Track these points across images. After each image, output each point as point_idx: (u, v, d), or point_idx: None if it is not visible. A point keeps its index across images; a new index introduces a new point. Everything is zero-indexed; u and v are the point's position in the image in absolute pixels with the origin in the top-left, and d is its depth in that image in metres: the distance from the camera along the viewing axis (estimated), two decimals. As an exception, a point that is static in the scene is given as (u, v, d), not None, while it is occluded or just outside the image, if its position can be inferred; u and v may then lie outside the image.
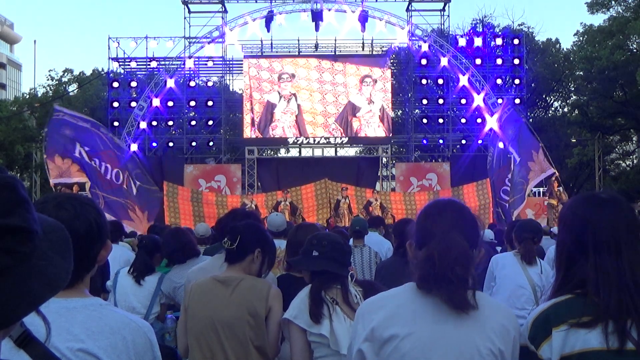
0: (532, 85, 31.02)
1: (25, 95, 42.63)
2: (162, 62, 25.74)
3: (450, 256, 1.85)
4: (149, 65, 25.85)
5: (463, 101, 25.92)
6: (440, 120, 26.37)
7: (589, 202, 1.92)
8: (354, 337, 1.98)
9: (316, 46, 27.04)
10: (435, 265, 1.86)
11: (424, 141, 26.91)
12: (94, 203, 1.72)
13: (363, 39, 26.63)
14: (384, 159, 27.22)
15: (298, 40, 26.94)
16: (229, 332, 3.04)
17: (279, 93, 25.67)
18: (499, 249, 7.29)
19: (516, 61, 25.36)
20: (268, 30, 25.86)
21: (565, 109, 36.71)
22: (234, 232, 3.21)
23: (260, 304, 3.08)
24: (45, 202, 1.67)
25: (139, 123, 25.33)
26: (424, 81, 26.09)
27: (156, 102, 25.14)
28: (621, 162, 38.13)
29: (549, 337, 1.78)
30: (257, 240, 3.21)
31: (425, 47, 25.54)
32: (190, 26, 26.61)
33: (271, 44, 26.84)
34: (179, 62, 25.93)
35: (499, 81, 25.49)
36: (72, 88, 36.39)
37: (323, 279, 2.93)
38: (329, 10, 25.37)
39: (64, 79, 37.04)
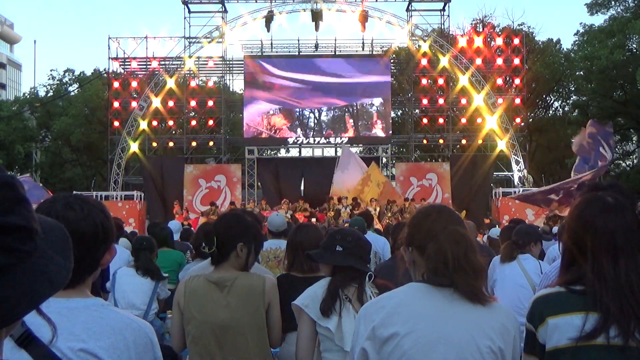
0: (532, 85, 31.01)
1: (25, 95, 42.67)
2: (162, 62, 25.74)
3: (461, 247, 1.92)
4: (149, 65, 25.86)
5: (463, 101, 25.94)
6: (440, 120, 26.38)
7: (594, 206, 1.94)
8: (357, 337, 2.01)
9: (316, 46, 27.05)
10: (448, 258, 1.91)
11: (424, 141, 26.93)
12: (103, 206, 1.71)
13: (363, 39, 26.67)
14: (384, 159, 27.23)
15: (298, 40, 26.98)
16: (228, 335, 3.00)
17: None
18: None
19: (516, 61, 25.37)
20: (268, 30, 25.89)
21: (566, 109, 36.72)
22: (209, 234, 3.12)
23: (259, 302, 3.04)
24: (54, 201, 1.66)
25: (139, 123, 25.34)
26: (424, 81, 26.09)
27: (156, 102, 25.16)
28: (621, 162, 38.13)
29: (544, 322, 1.87)
30: (235, 235, 3.08)
31: (425, 47, 25.55)
32: (190, 26, 26.63)
33: (271, 44, 26.86)
34: (179, 62, 25.94)
35: (499, 81, 25.49)
36: (73, 88, 36.42)
37: (345, 276, 2.90)
38: (329, 10, 25.38)
39: (64, 79, 37.07)
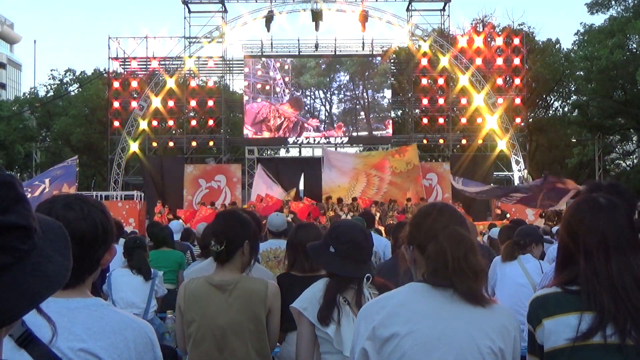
0: (532, 85, 31.01)
1: (25, 95, 42.68)
2: (162, 62, 25.75)
3: (461, 248, 1.91)
4: (149, 65, 25.87)
5: (463, 101, 25.93)
6: (440, 120, 26.39)
7: (586, 206, 1.97)
8: (357, 337, 2.00)
9: (316, 46, 27.07)
10: (448, 259, 1.90)
11: (424, 141, 26.95)
12: (103, 206, 1.70)
13: (363, 39, 26.68)
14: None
15: (298, 40, 27.02)
16: (228, 339, 2.98)
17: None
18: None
19: (516, 61, 25.37)
20: (268, 30, 25.93)
21: (565, 109, 36.73)
22: (219, 234, 3.06)
23: (259, 308, 3.01)
24: (54, 201, 1.66)
25: (139, 123, 25.34)
26: (424, 81, 26.10)
27: (156, 102, 25.15)
28: (621, 162, 38.14)
29: (540, 324, 1.89)
30: (243, 233, 3.08)
31: (425, 47, 25.55)
32: (190, 26, 26.66)
33: (271, 44, 26.88)
34: (179, 62, 25.94)
35: (499, 81, 25.49)
36: (73, 88, 36.42)
37: (341, 281, 2.79)
38: (329, 10, 25.39)
39: (65, 79, 37.09)
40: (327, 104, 26.64)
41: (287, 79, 26.22)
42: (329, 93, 26.61)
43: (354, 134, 26.66)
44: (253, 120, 25.94)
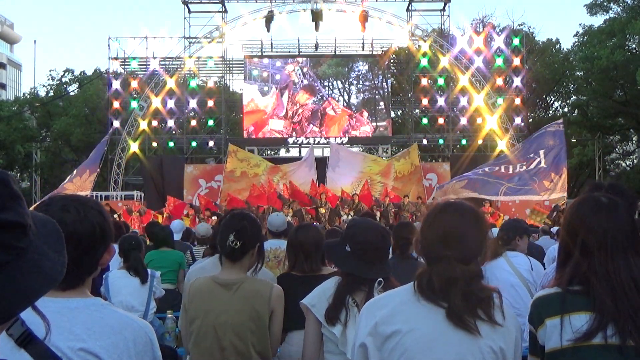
0: (532, 85, 31.01)
1: (25, 95, 42.65)
2: (162, 62, 25.75)
3: (456, 289, 1.85)
4: (149, 65, 25.87)
5: (463, 101, 25.94)
6: (440, 120, 26.39)
7: (588, 206, 1.96)
8: (358, 332, 2.00)
9: (316, 46, 27.08)
10: (440, 297, 1.87)
11: (424, 141, 26.95)
12: (100, 207, 1.71)
13: (363, 39, 26.68)
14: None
15: (298, 40, 27.01)
16: (229, 337, 2.99)
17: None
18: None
19: (516, 61, 25.37)
20: (268, 30, 25.92)
21: (565, 109, 36.72)
22: (240, 231, 3.06)
23: (262, 307, 3.02)
24: (51, 204, 1.66)
25: (139, 123, 25.34)
26: (424, 81, 26.11)
27: (156, 102, 25.15)
28: (621, 162, 38.14)
29: (543, 324, 1.88)
30: (257, 236, 3.14)
31: (425, 47, 25.55)
32: (190, 26, 26.65)
33: (271, 44, 26.88)
34: (179, 62, 25.94)
35: (499, 81, 25.49)
36: (73, 88, 36.40)
37: (353, 280, 2.77)
38: (329, 10, 25.40)
39: (64, 79, 37.05)
40: (345, 94, 26.64)
41: (305, 69, 26.26)
42: (347, 83, 26.61)
43: (374, 123, 26.56)
44: (279, 84, 25.85)
